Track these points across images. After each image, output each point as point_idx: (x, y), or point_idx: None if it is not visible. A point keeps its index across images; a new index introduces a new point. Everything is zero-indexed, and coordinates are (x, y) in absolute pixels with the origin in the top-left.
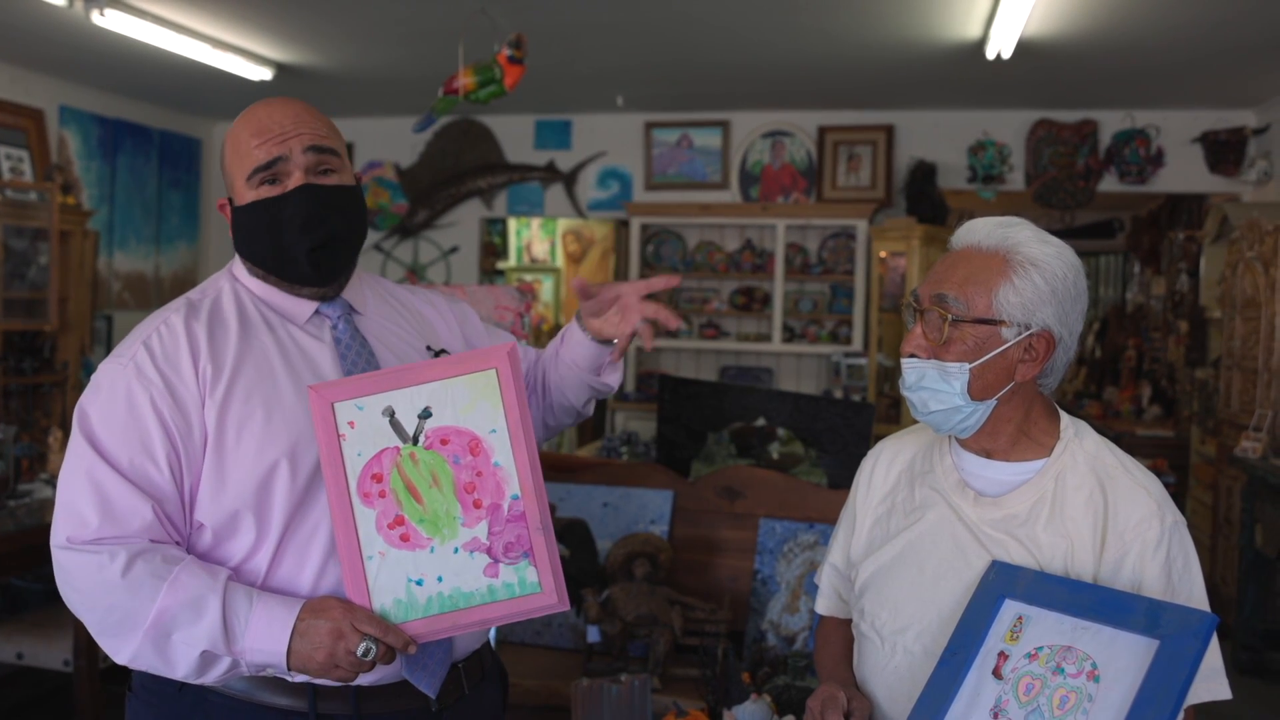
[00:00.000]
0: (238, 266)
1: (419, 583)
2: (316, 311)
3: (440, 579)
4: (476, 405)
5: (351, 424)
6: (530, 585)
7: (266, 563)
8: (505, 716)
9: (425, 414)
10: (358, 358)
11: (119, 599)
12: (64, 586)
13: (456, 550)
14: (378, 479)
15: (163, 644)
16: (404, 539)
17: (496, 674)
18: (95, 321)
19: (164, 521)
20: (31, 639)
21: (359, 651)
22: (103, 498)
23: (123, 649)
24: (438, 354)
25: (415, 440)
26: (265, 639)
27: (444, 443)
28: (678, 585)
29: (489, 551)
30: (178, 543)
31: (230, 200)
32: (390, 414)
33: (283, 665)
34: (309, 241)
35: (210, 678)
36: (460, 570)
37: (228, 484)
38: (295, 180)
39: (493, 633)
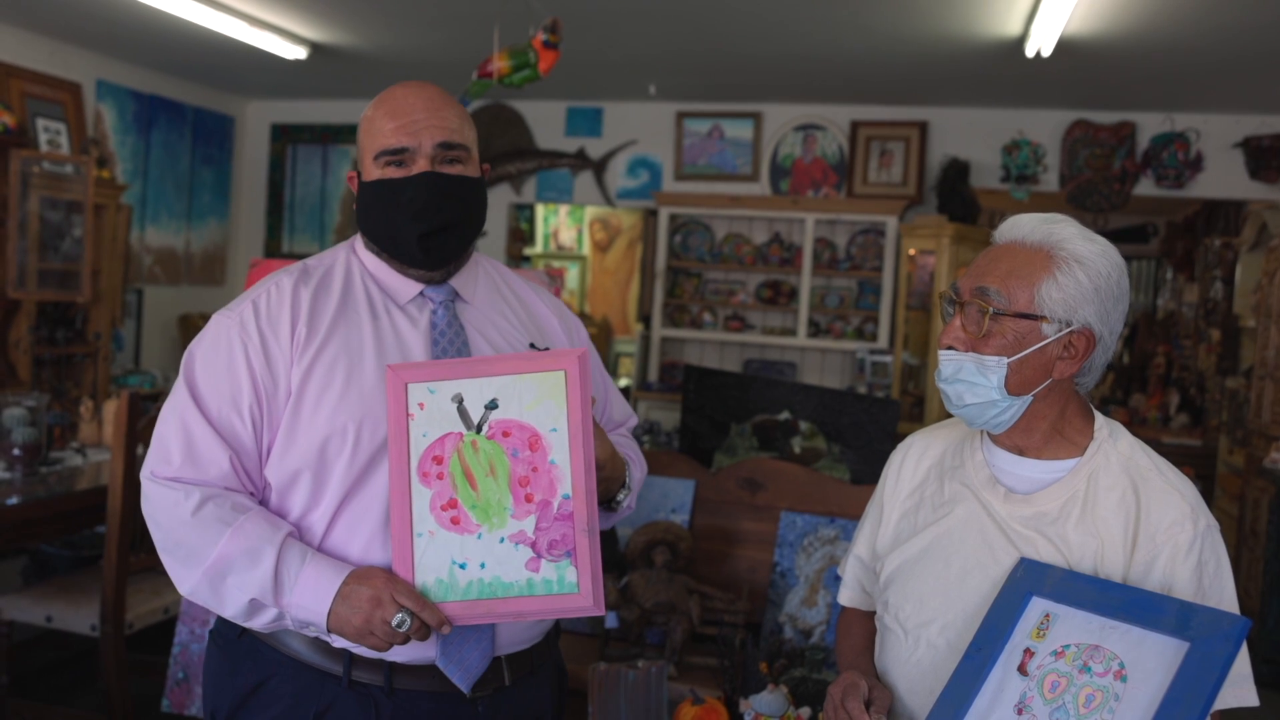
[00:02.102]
0: (358, 240)
1: (462, 566)
2: (421, 294)
3: (483, 565)
4: (542, 403)
5: (421, 405)
6: (568, 585)
7: (322, 528)
8: (560, 716)
9: (492, 405)
10: (450, 345)
11: (187, 535)
12: (146, 514)
13: (502, 540)
14: (438, 461)
15: (218, 584)
16: (454, 522)
17: (550, 671)
18: (126, 295)
19: (240, 472)
20: (60, 603)
21: (394, 622)
22: (188, 440)
23: (185, 580)
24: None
25: (479, 429)
26: (310, 597)
27: (506, 435)
28: (697, 574)
29: (533, 546)
30: (251, 494)
31: (358, 175)
32: (459, 401)
33: (323, 625)
34: (421, 227)
35: (257, 624)
36: (503, 560)
37: (295, 445)
38: (420, 166)
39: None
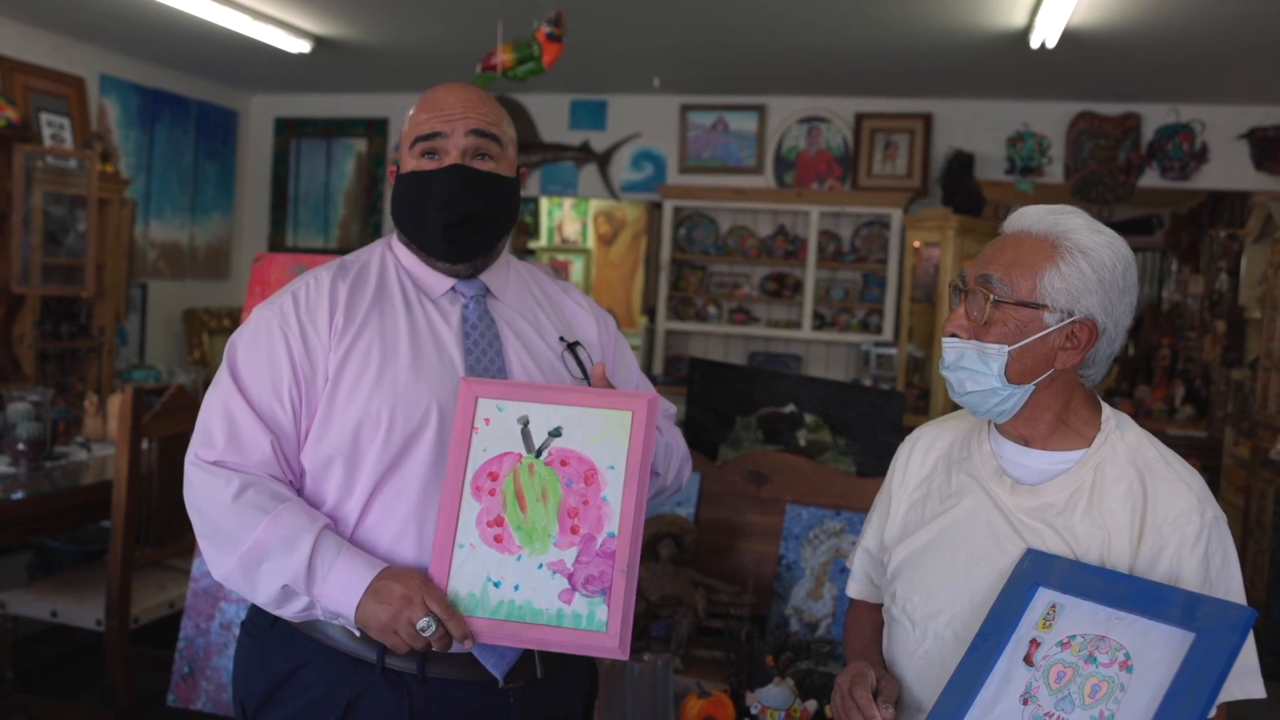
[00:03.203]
0: (394, 236)
1: (496, 584)
2: (453, 288)
3: (517, 587)
4: (604, 439)
5: (487, 420)
6: (597, 622)
7: (355, 516)
8: (591, 713)
9: (556, 432)
10: (480, 338)
11: (226, 520)
12: (187, 499)
13: (541, 566)
14: (493, 477)
15: (252, 570)
16: (497, 539)
17: (582, 668)
18: (131, 289)
19: (280, 458)
20: (65, 598)
21: (419, 625)
22: (231, 425)
23: (220, 565)
24: (571, 345)
25: (539, 453)
26: (341, 589)
27: (564, 464)
28: (702, 568)
29: (570, 578)
30: (290, 482)
31: (397, 169)
32: (524, 423)
33: (351, 617)
34: (445, 218)
35: (287, 612)
36: (538, 586)
37: (330, 431)
38: (451, 158)
39: None
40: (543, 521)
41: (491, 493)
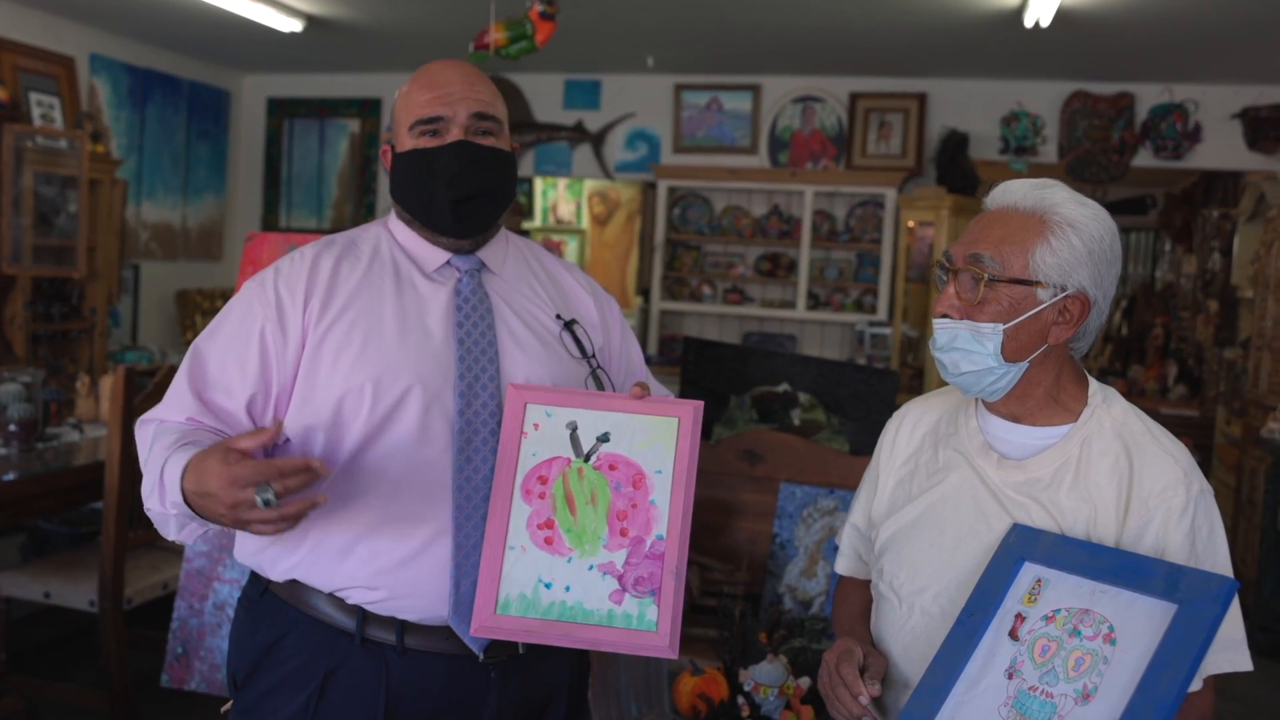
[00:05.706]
0: (392, 215)
1: (548, 585)
2: (448, 263)
3: (568, 589)
4: (652, 445)
5: (536, 425)
6: (647, 622)
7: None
8: (579, 702)
9: (604, 438)
10: (473, 311)
11: (143, 462)
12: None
13: (591, 567)
14: (543, 480)
15: (149, 501)
16: (548, 541)
17: (571, 650)
18: (123, 270)
19: (221, 420)
20: (59, 579)
21: (259, 502)
22: (175, 388)
23: (146, 503)
24: (568, 323)
25: (587, 458)
26: (173, 488)
27: (612, 468)
28: (696, 546)
29: (620, 579)
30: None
31: (392, 147)
32: (573, 428)
33: (188, 512)
34: (454, 194)
35: (187, 534)
36: (589, 587)
37: (311, 402)
38: (454, 136)
39: None
40: (592, 524)
41: (541, 496)
